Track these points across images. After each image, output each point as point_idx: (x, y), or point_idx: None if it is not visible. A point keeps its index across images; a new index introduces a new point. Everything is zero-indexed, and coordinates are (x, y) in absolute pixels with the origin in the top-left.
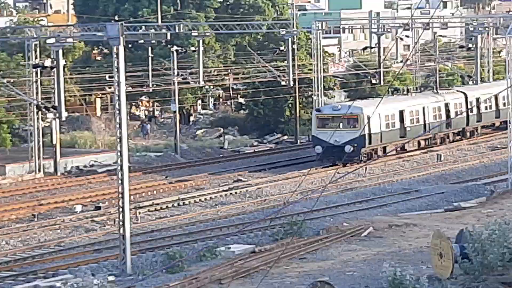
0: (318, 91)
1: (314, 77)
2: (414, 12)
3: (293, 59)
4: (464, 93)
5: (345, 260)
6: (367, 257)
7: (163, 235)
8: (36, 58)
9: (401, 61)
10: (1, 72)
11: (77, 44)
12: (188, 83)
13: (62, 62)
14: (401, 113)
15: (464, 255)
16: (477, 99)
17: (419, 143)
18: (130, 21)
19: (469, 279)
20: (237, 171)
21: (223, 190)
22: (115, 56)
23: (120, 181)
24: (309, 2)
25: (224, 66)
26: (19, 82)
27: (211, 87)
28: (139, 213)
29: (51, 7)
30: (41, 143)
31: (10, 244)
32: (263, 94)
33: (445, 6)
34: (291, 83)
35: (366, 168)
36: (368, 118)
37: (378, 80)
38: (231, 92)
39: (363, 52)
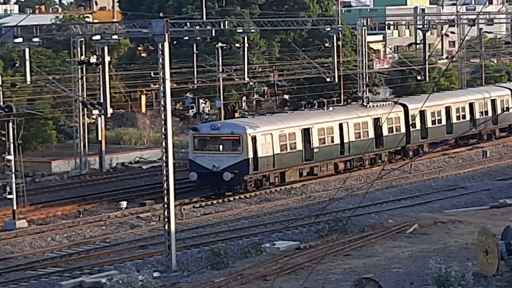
0: (363, 87)
1: (359, 74)
2: (460, 8)
3: (338, 56)
4: (405, 106)
5: (390, 256)
6: (412, 254)
7: (208, 231)
8: (81, 55)
9: (447, 58)
10: (47, 69)
11: (122, 41)
12: (233, 79)
13: (107, 58)
14: (307, 131)
15: (510, 252)
16: (422, 112)
17: (336, 166)
18: (175, 18)
19: None
20: None
21: (268, 187)
22: (160, 53)
23: (165, 178)
24: None
25: (268, 63)
26: (64, 78)
27: (256, 83)
28: (184, 209)
29: (96, 4)
30: (86, 139)
31: (56, 240)
32: (308, 91)
33: (490, 2)
34: (336, 79)
35: (411, 164)
36: (253, 139)
37: (423, 77)
38: (275, 88)
39: (408, 48)
